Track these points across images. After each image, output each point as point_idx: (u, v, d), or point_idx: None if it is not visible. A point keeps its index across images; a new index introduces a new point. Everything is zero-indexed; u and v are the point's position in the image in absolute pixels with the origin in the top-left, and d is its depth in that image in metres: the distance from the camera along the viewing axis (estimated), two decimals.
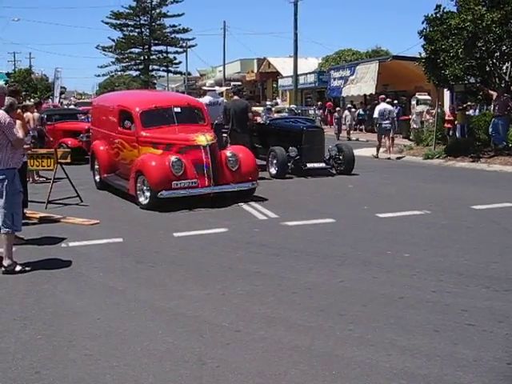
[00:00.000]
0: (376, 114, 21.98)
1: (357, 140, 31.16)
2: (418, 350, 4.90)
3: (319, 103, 40.55)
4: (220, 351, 4.98)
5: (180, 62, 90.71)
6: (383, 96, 24.39)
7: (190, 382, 4.44)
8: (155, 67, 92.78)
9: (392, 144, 23.39)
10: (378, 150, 22.11)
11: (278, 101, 46.50)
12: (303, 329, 5.43)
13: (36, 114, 16.33)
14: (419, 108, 26.50)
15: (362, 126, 36.69)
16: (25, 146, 8.18)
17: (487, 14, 18.17)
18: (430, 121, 24.48)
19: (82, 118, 25.40)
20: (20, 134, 7.51)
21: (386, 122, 21.58)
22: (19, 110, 9.41)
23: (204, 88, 18.77)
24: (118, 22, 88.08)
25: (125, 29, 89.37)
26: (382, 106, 22.16)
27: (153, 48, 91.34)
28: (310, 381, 4.42)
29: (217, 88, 18.69)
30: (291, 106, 27.90)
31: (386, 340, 5.10)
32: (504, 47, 19.28)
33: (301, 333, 5.33)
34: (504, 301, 6.05)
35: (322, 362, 4.73)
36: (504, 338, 5.12)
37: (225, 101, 17.56)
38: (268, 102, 39.35)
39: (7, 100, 7.78)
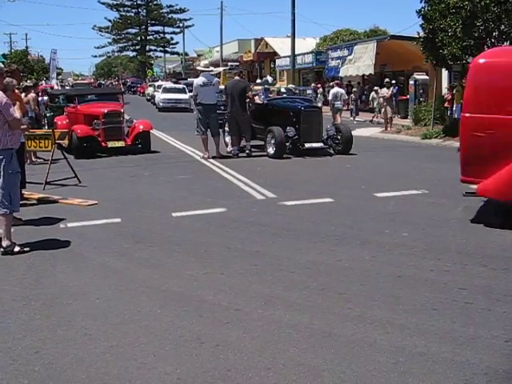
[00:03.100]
0: (330, 96, 26.10)
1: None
2: (416, 328, 4.92)
3: (331, 83, 38.28)
4: (219, 330, 4.99)
5: (177, 43, 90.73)
6: (338, 81, 29.03)
7: (189, 361, 4.46)
8: (152, 48, 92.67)
9: (390, 124, 24.31)
10: None
11: (269, 78, 46.33)
12: (302, 307, 5.45)
13: (32, 95, 16.26)
14: None
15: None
16: (22, 127, 8.14)
17: None
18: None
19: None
20: (17, 114, 7.48)
21: (338, 102, 25.49)
22: (17, 91, 9.35)
23: (198, 68, 18.57)
24: (115, 2, 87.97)
25: (121, 9, 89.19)
26: (336, 89, 26.17)
27: (150, 28, 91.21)
28: (309, 359, 4.44)
29: (211, 68, 18.61)
30: (289, 85, 27.90)
31: (385, 318, 5.12)
32: (502, 26, 19.16)
33: (300, 311, 5.35)
34: (502, 279, 6.08)
35: (320, 340, 4.75)
36: (502, 315, 5.15)
37: (218, 80, 17.51)
38: (258, 80, 39.05)
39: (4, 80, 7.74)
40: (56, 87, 51.21)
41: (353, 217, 9.02)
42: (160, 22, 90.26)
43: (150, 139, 18.02)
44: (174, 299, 5.76)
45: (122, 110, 17.84)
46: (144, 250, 7.52)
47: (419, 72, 28.52)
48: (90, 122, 17.25)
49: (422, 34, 20.78)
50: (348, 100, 30.52)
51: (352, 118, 30.10)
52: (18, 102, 7.86)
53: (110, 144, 17.02)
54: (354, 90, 33.52)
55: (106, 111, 17.32)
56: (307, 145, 16.08)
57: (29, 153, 14.14)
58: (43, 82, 59.52)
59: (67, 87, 45.90)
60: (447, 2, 18.97)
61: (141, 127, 17.66)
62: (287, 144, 15.86)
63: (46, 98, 22.88)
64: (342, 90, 26.65)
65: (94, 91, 23.21)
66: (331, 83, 28.88)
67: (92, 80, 73.54)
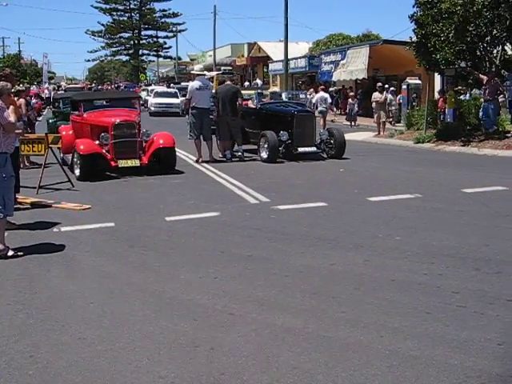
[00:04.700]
0: (314, 100, 27.33)
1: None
2: (409, 331, 4.94)
3: (319, 88, 31.84)
4: (213, 334, 5.00)
5: (170, 47, 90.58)
6: (323, 87, 30.23)
7: (183, 365, 4.46)
8: (145, 52, 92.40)
9: (383, 128, 24.50)
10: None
11: (258, 81, 46.38)
12: (296, 311, 5.46)
13: (22, 100, 16.19)
14: None
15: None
16: (17, 131, 8.14)
17: None
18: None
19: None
20: (12, 118, 7.48)
21: (323, 105, 26.72)
22: (11, 95, 9.33)
23: (193, 72, 18.20)
24: (108, 6, 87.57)
25: (114, 13, 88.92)
26: (320, 94, 27.63)
27: (143, 33, 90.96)
28: (303, 363, 4.45)
29: (205, 72, 18.57)
30: (274, 89, 28.34)
31: (378, 322, 5.14)
32: (495, 31, 19.29)
33: (294, 315, 5.36)
34: (495, 283, 6.10)
35: (314, 344, 4.76)
36: (495, 319, 5.17)
37: (212, 85, 17.45)
38: (246, 84, 38.90)
39: None
40: (46, 91, 51.07)
41: (346, 221, 9.05)
42: (153, 27, 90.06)
43: (175, 157, 14.75)
44: (168, 303, 5.76)
45: (138, 120, 14.66)
46: (138, 254, 7.52)
47: (412, 76, 28.59)
48: (98, 134, 14.03)
49: (414, 38, 20.85)
50: (347, 105, 32.25)
51: (349, 123, 29.99)
52: (12, 106, 7.86)
53: (122, 163, 13.64)
54: (351, 94, 33.09)
55: (116, 121, 13.97)
56: (300, 149, 16.10)
57: (22, 157, 14.09)
58: (34, 86, 59.50)
59: (60, 91, 45.64)
60: (439, 7, 19.05)
61: (160, 141, 14.21)
62: (280, 148, 15.89)
63: (34, 101, 22.64)
64: (326, 95, 27.97)
65: (105, 95, 19.55)
66: (319, 88, 30.07)
67: (86, 84, 73.29)
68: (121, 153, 13.77)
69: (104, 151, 13.80)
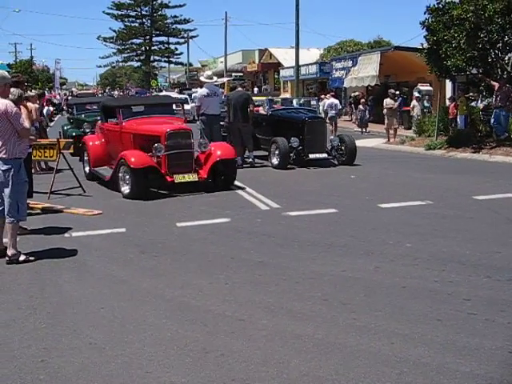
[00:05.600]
0: (326, 106, 27.36)
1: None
2: (420, 338, 4.93)
3: (327, 95, 31.27)
4: (224, 340, 5.01)
5: (181, 53, 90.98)
6: (333, 93, 30.98)
7: (193, 370, 4.47)
8: (156, 58, 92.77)
9: (395, 135, 24.34)
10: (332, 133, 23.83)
11: (267, 87, 46.47)
12: (306, 318, 5.46)
13: (32, 105, 16.24)
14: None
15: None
16: (30, 137, 8.20)
17: (489, 4, 18.12)
18: None
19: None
20: (26, 123, 7.54)
21: (333, 111, 26.87)
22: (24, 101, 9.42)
23: (202, 79, 17.99)
24: (120, 12, 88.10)
25: (126, 19, 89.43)
26: (331, 100, 27.84)
27: (154, 39, 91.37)
28: (313, 369, 4.45)
29: (215, 78, 18.54)
30: (286, 95, 28.40)
31: (389, 329, 5.13)
32: (506, 38, 19.25)
33: (304, 322, 5.36)
34: (506, 290, 6.08)
35: (325, 350, 4.76)
36: (506, 326, 5.15)
37: (222, 91, 17.46)
38: (255, 89, 38.77)
39: (16, 91, 7.81)
40: (58, 97, 51.30)
41: (357, 227, 9.04)
42: (164, 33, 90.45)
43: (236, 170, 13.24)
44: (178, 309, 5.77)
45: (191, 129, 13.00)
46: (149, 259, 7.55)
47: (423, 83, 28.51)
48: (145, 145, 12.38)
49: (425, 45, 20.82)
50: (355, 111, 33.47)
51: (360, 129, 29.78)
52: (25, 112, 7.92)
53: (179, 178, 12.05)
54: (362, 100, 32.78)
55: (169, 130, 12.25)
56: (311, 155, 16.11)
57: (34, 162, 14.14)
58: (46, 92, 59.83)
59: (69, 97, 45.79)
60: (451, 14, 19.03)
61: (218, 153, 12.76)
62: (291, 154, 15.90)
63: (50, 108, 22.71)
64: (336, 101, 28.16)
65: (142, 101, 16.71)
66: (327, 95, 30.42)
67: (97, 90, 73.63)
68: (175, 166, 12.17)
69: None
